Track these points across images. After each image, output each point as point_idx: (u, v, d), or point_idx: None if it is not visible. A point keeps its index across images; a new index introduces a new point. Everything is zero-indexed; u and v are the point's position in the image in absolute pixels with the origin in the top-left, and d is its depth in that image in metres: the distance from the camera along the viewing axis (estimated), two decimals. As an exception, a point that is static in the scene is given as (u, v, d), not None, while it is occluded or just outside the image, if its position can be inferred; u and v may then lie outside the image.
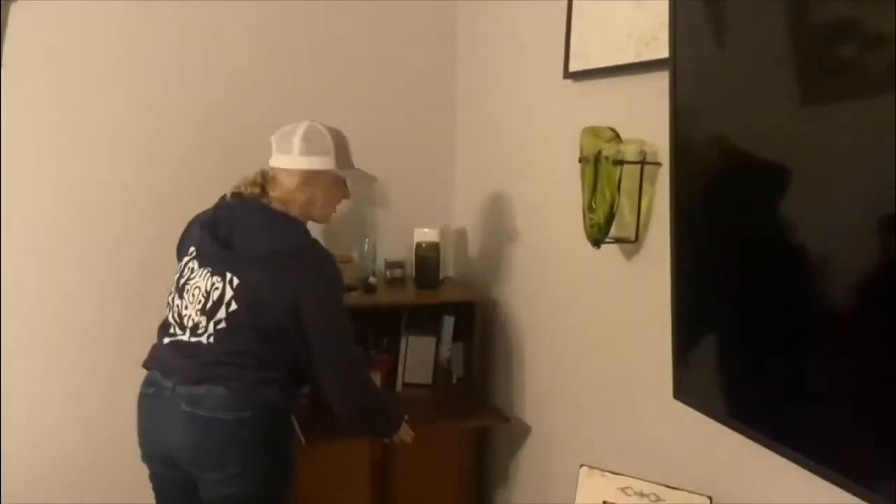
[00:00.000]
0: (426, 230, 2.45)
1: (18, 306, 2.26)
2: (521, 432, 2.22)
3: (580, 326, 1.91)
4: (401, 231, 2.53)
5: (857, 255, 1.00)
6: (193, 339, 1.66)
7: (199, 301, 1.65)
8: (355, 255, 2.49)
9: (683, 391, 1.40)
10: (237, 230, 1.68)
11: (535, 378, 2.16)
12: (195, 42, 2.33)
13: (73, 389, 2.33)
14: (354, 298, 2.27)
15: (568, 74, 1.83)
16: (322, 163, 1.70)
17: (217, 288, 1.64)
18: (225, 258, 1.65)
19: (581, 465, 1.41)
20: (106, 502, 2.34)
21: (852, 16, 0.97)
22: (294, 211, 1.72)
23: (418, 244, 2.42)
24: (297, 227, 1.70)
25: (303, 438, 1.98)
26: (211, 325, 1.63)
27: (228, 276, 1.63)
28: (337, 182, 1.75)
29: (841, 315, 1.04)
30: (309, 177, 1.70)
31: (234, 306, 1.62)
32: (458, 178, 2.65)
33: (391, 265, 2.49)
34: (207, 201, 1.81)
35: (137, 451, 1.73)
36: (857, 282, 1.01)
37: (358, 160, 1.85)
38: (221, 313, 1.63)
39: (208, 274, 1.66)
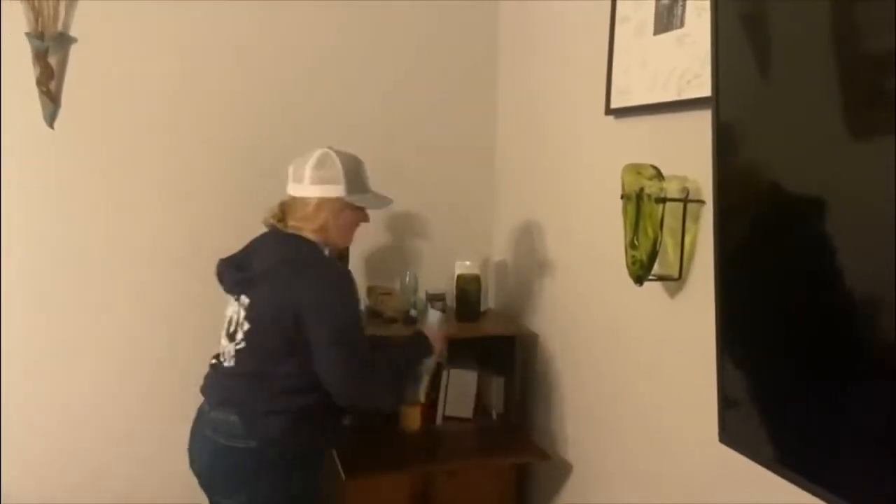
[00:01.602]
0: (467, 262, 2.46)
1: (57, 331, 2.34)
2: (562, 470, 2.18)
3: (622, 363, 1.88)
4: (442, 263, 2.55)
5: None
6: (224, 364, 1.77)
7: (225, 327, 1.78)
8: (397, 286, 2.51)
9: (729, 434, 1.36)
10: (254, 255, 1.80)
11: (576, 415, 2.13)
12: (237, 68, 2.41)
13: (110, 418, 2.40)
14: (395, 330, 2.28)
15: (609, 111, 1.83)
16: (332, 191, 1.74)
17: (237, 311, 1.75)
18: (240, 282, 1.75)
19: (623, 509, 1.39)
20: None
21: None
22: (310, 236, 1.76)
23: (459, 276, 2.43)
24: (306, 242, 1.75)
25: (343, 473, 1.99)
26: (232, 347, 1.74)
27: (243, 297, 1.73)
28: (347, 207, 1.77)
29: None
30: (319, 204, 1.74)
31: (247, 326, 1.71)
32: (500, 211, 2.66)
33: (432, 297, 2.49)
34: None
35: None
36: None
37: (376, 183, 1.90)
38: (239, 335, 1.72)
39: (233, 300, 1.78)
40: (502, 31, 2.60)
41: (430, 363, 1.95)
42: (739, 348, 1.33)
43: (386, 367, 1.76)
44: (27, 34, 2.19)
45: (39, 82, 2.21)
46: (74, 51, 2.25)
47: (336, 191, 1.74)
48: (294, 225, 1.76)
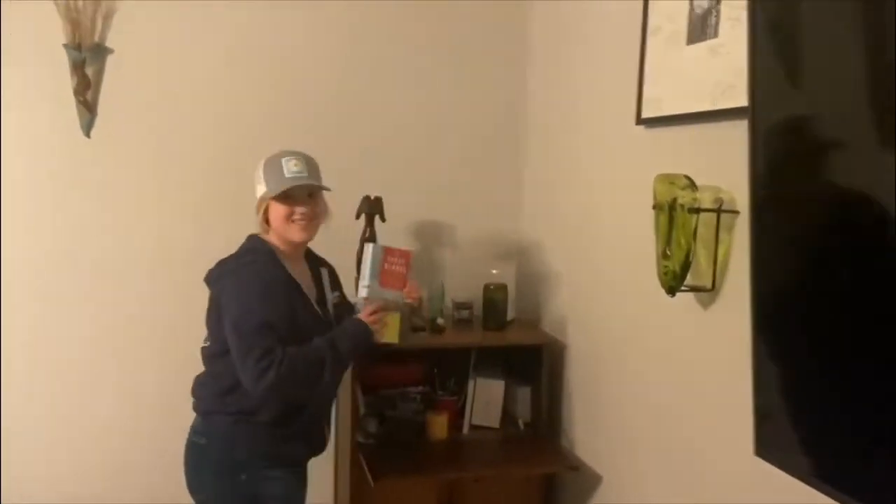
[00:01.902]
0: (494, 271, 2.47)
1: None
2: (591, 481, 2.17)
3: (653, 374, 1.87)
4: (469, 272, 2.55)
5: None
6: None
7: None
8: (424, 295, 2.51)
9: (765, 448, 1.35)
10: None
11: (606, 426, 2.12)
12: (264, 72, 2.44)
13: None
14: (422, 339, 2.29)
15: (640, 121, 1.83)
16: (259, 190, 1.78)
17: None
18: (206, 281, 1.82)
19: (656, 522, 1.38)
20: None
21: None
22: (265, 236, 1.79)
23: (486, 285, 2.43)
24: (251, 242, 1.79)
25: (371, 478, 2.00)
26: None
27: None
28: (272, 201, 1.74)
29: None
30: (258, 205, 1.79)
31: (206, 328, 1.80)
32: (527, 220, 2.66)
33: (459, 306, 2.50)
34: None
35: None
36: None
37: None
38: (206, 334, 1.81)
39: None
40: (532, 40, 2.61)
41: (398, 302, 1.83)
42: (776, 360, 1.32)
43: (298, 360, 1.65)
44: (65, 45, 2.24)
45: (77, 92, 2.26)
46: (110, 62, 2.30)
47: (260, 189, 1.77)
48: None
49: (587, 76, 2.23)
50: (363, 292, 1.80)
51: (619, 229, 2.01)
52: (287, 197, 1.73)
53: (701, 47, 1.59)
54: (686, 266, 1.54)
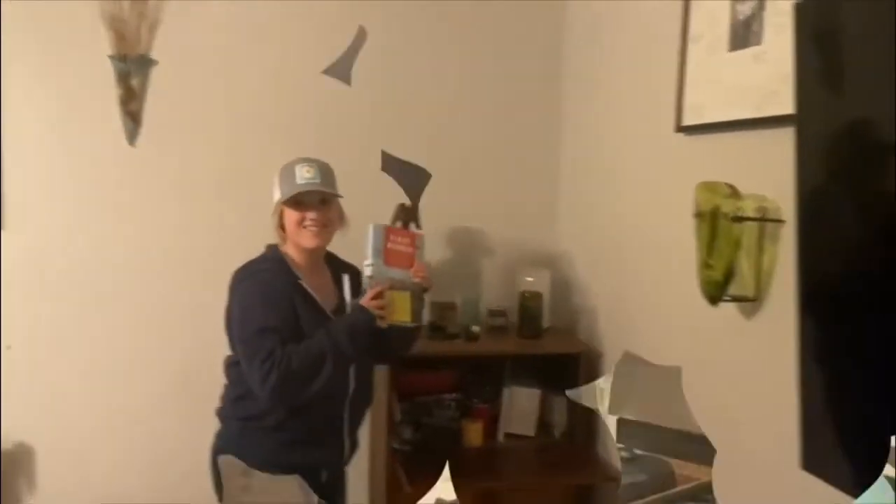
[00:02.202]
0: (530, 279, 2.45)
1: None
2: (628, 491, 2.14)
3: (693, 385, 1.83)
4: (504, 279, 2.55)
5: None
6: None
7: None
8: (458, 302, 2.52)
9: (812, 461, 1.33)
10: None
11: (643, 435, 2.09)
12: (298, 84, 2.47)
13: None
14: (456, 346, 2.29)
15: (680, 128, 1.82)
16: (274, 196, 1.79)
17: None
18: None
19: (699, 535, 1.36)
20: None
21: None
22: (283, 246, 1.81)
23: (522, 293, 2.42)
24: (267, 250, 1.82)
25: (407, 484, 2.00)
26: None
27: None
28: (283, 207, 1.77)
29: None
30: (273, 210, 1.80)
31: None
32: (563, 227, 2.65)
33: (494, 313, 2.49)
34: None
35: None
36: None
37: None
38: None
39: None
40: (568, 46, 2.60)
41: (404, 281, 1.78)
42: (822, 372, 1.30)
43: (296, 357, 1.64)
44: (110, 57, 2.30)
45: (122, 103, 2.31)
46: (155, 73, 2.34)
47: (275, 195, 1.78)
48: None
49: (624, 82, 2.21)
50: (367, 270, 1.79)
51: (658, 238, 1.99)
52: (298, 203, 1.76)
53: (744, 54, 1.57)
54: (729, 275, 1.52)
